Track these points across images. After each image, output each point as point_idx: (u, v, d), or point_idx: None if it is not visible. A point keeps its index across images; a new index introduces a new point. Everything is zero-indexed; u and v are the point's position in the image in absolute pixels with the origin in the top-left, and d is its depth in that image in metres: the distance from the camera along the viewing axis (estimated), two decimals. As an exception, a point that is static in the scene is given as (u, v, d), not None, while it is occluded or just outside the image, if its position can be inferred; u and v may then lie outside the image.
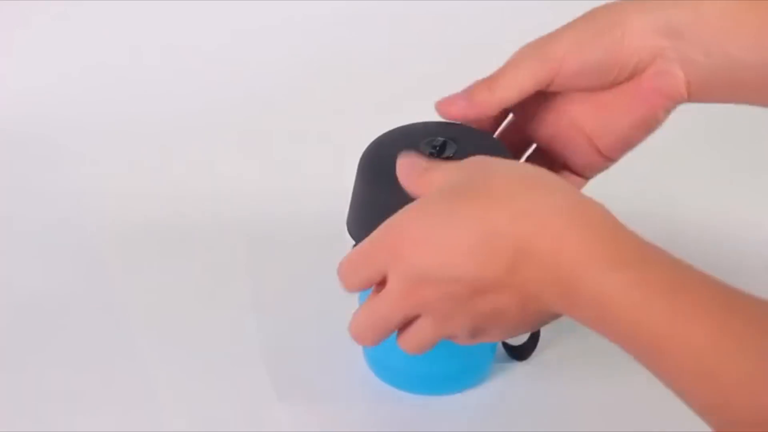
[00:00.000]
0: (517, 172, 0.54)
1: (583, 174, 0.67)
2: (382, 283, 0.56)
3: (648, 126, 0.63)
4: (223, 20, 1.10)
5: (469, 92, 0.62)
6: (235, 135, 1.01)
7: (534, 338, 0.73)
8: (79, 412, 0.71)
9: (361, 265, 0.56)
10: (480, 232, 0.51)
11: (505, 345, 0.74)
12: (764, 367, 0.44)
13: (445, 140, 0.62)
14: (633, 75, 0.62)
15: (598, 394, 0.71)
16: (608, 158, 0.65)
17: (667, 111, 0.63)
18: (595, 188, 0.66)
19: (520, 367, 0.74)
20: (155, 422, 0.70)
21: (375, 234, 0.55)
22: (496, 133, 0.68)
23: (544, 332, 0.74)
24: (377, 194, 0.61)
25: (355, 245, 0.59)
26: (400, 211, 0.55)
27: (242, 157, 0.98)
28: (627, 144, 0.65)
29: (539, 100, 0.64)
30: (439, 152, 0.62)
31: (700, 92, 0.61)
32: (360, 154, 0.65)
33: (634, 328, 0.48)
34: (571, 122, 0.65)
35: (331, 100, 1.05)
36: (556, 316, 0.54)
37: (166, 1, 1.08)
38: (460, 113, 0.62)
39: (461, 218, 0.52)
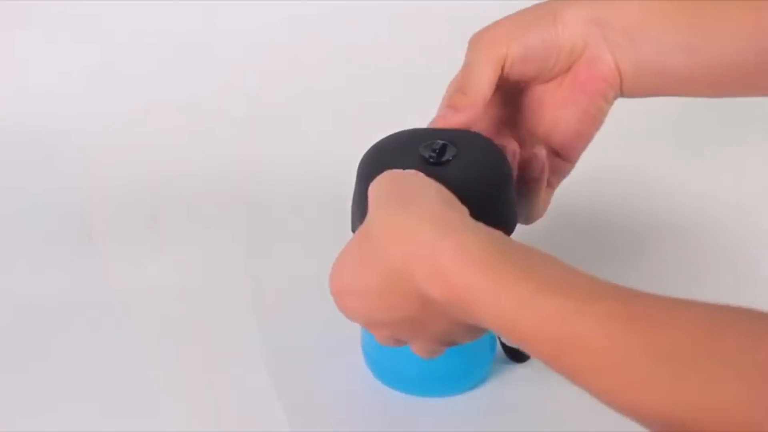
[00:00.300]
0: (390, 212, 0.56)
1: (552, 184, 0.69)
2: None
3: (593, 117, 0.67)
4: (224, 20, 1.10)
5: (449, 102, 0.65)
6: (235, 135, 1.01)
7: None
8: (79, 412, 0.71)
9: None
10: (385, 280, 0.55)
11: (505, 347, 0.74)
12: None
13: (445, 143, 0.62)
14: (570, 63, 0.66)
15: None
16: (566, 159, 0.68)
17: (607, 100, 0.66)
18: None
19: (519, 369, 0.74)
20: (155, 422, 0.70)
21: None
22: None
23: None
24: None
25: None
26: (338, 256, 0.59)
27: (242, 157, 0.98)
28: (578, 139, 0.68)
29: (510, 100, 0.68)
30: (438, 155, 0.62)
31: (632, 81, 0.65)
32: (360, 155, 0.65)
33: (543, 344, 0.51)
34: (530, 125, 0.69)
35: (331, 100, 1.05)
36: (478, 330, 0.57)
37: (167, 1, 1.08)
38: (454, 123, 0.64)
39: (369, 267, 0.55)
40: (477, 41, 0.66)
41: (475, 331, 0.57)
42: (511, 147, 0.66)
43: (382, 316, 0.56)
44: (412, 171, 0.59)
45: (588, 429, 0.68)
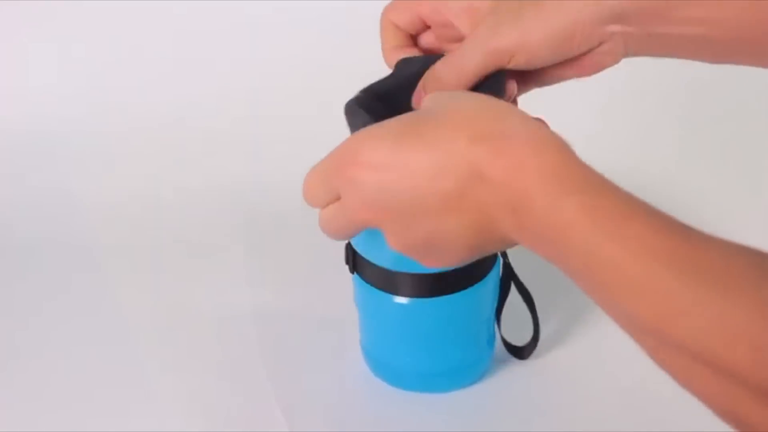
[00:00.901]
0: (479, 101, 0.55)
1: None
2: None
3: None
4: (224, 21, 1.10)
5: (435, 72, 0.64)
6: (235, 135, 1.01)
7: (535, 338, 0.73)
8: (78, 413, 0.71)
9: (319, 187, 0.57)
10: (435, 153, 0.52)
11: (506, 344, 0.74)
12: (708, 296, 0.45)
13: None
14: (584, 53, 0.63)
15: (598, 394, 0.71)
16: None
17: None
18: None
19: (518, 366, 0.74)
20: (155, 422, 0.70)
21: (330, 156, 0.56)
22: None
23: (545, 331, 0.74)
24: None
25: None
26: (357, 133, 0.55)
27: (242, 158, 0.98)
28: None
29: None
30: None
31: (636, 45, 0.63)
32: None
33: (584, 254, 0.48)
34: None
35: (331, 100, 1.04)
36: (511, 242, 0.53)
37: (167, 1, 1.08)
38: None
39: (418, 139, 0.52)
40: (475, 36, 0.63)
41: (483, 243, 0.54)
42: (511, 88, 0.64)
43: (406, 189, 0.52)
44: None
45: (586, 426, 0.68)
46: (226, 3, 1.09)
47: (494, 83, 0.62)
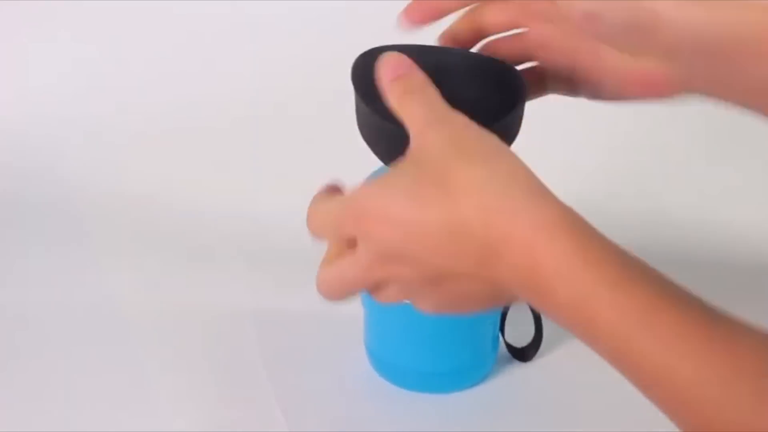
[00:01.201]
0: (487, 164, 0.52)
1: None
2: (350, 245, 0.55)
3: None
4: (225, 21, 1.10)
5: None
6: (235, 134, 1.01)
7: (537, 339, 0.73)
8: (78, 413, 0.71)
9: (329, 228, 0.55)
10: (449, 225, 0.50)
11: (509, 346, 0.74)
12: (742, 395, 0.45)
13: None
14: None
15: (600, 396, 0.71)
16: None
17: None
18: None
19: (523, 368, 0.74)
20: (155, 423, 0.70)
21: (342, 206, 0.55)
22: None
23: (548, 334, 0.74)
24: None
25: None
26: (365, 185, 0.54)
27: (242, 157, 0.98)
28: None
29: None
30: None
31: None
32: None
33: (612, 341, 0.48)
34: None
35: (331, 101, 1.04)
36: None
37: (168, 1, 1.08)
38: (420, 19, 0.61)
39: (429, 204, 0.51)
40: None
41: (504, 301, 0.55)
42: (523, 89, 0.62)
43: (425, 257, 0.51)
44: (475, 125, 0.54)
45: (588, 427, 0.68)
46: (226, 3, 1.09)
47: (506, 79, 0.60)
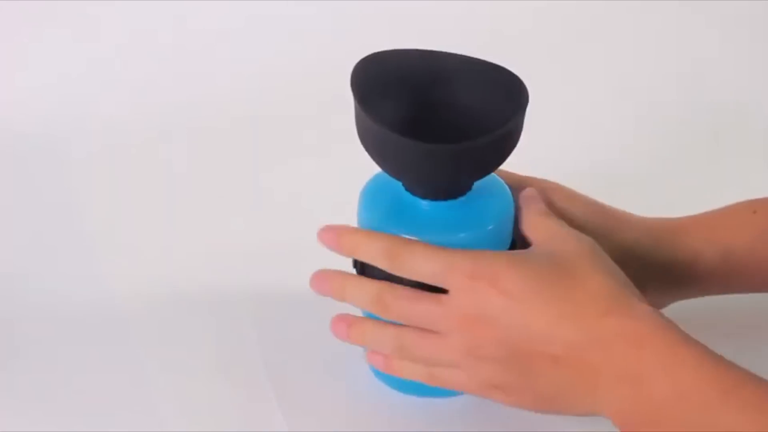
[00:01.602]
0: (605, 266, 0.59)
1: None
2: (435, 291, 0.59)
3: None
4: (225, 21, 1.10)
5: None
6: (235, 135, 1.01)
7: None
8: (79, 413, 0.71)
9: (422, 262, 0.59)
10: (566, 306, 0.56)
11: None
12: None
13: None
14: None
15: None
16: None
17: None
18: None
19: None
20: (155, 422, 0.70)
21: (458, 253, 0.58)
22: None
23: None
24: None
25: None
26: (503, 255, 0.58)
27: (243, 157, 0.98)
28: None
29: None
30: None
31: None
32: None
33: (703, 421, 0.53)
34: None
35: (330, 101, 1.04)
36: (589, 412, 0.60)
37: (168, 1, 1.08)
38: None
39: (555, 288, 0.56)
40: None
41: (572, 403, 0.61)
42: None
43: (536, 329, 0.57)
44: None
45: (589, 427, 0.68)
46: (226, 3, 1.09)
47: (507, 85, 0.61)
